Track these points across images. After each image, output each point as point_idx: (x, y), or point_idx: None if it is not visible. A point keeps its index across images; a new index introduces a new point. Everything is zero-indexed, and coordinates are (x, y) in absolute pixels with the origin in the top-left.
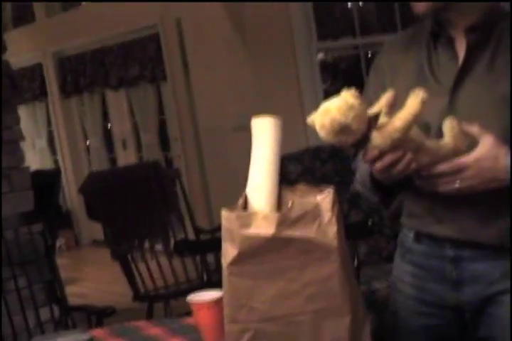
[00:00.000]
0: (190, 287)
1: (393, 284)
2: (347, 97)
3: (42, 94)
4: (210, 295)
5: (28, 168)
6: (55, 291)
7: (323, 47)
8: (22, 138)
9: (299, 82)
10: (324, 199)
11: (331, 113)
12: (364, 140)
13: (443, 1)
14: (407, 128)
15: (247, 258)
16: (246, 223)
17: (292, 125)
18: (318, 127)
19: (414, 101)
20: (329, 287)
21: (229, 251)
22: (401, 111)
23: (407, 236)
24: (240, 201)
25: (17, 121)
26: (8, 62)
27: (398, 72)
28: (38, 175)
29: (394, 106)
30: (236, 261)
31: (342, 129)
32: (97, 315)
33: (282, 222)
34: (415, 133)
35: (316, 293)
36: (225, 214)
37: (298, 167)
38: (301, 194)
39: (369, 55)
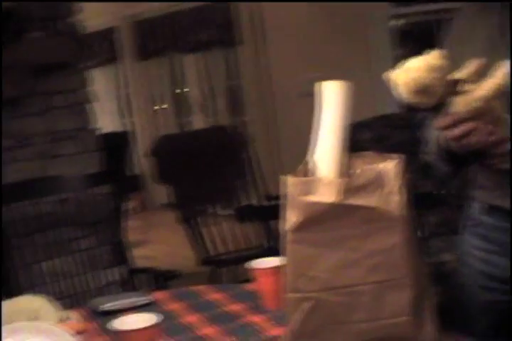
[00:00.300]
0: (254, 253)
1: (460, 257)
2: (433, 58)
3: (115, 57)
4: (271, 262)
5: (95, 129)
6: (121, 253)
7: (396, 13)
8: (89, 100)
9: (371, 48)
10: (391, 167)
11: (416, 71)
12: (443, 104)
13: None
14: (490, 97)
15: (308, 225)
16: (309, 189)
17: (363, 92)
18: (400, 84)
19: (499, 72)
20: (392, 258)
21: (291, 218)
22: (485, 80)
23: (477, 208)
24: (305, 167)
25: (83, 83)
26: (80, 24)
27: (469, 39)
28: (108, 138)
29: (481, 75)
30: (297, 228)
31: (424, 89)
32: (162, 278)
33: (346, 189)
34: (496, 105)
35: (379, 263)
36: (288, 179)
37: (368, 134)
38: (368, 161)
39: (441, 21)
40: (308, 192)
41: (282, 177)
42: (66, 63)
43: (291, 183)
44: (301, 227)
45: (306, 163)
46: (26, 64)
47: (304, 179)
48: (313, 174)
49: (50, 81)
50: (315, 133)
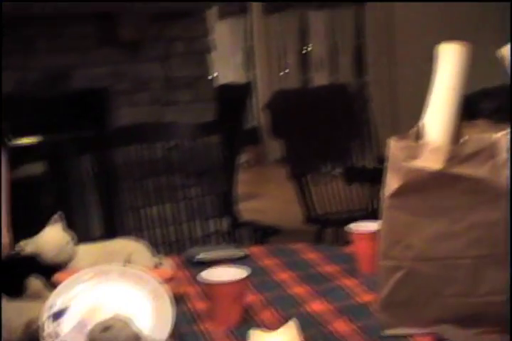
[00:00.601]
0: (359, 216)
1: None
2: None
3: (243, 10)
4: (371, 226)
5: (213, 79)
6: (228, 204)
7: None
8: (210, 49)
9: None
10: (504, 137)
11: None
12: None
13: None
14: None
15: (409, 191)
16: (413, 154)
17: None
18: None
19: None
20: (495, 233)
21: (391, 183)
22: None
23: None
24: (414, 130)
25: (206, 32)
26: None
27: None
28: (229, 89)
29: None
30: (397, 194)
31: None
32: (263, 233)
33: (453, 157)
34: None
35: (481, 237)
36: (392, 142)
37: (493, 103)
38: (480, 131)
39: None
40: (412, 157)
41: (389, 141)
42: (191, 11)
43: (394, 147)
44: (400, 193)
45: (418, 128)
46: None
47: (408, 143)
48: (421, 138)
49: (173, 27)
50: (430, 96)
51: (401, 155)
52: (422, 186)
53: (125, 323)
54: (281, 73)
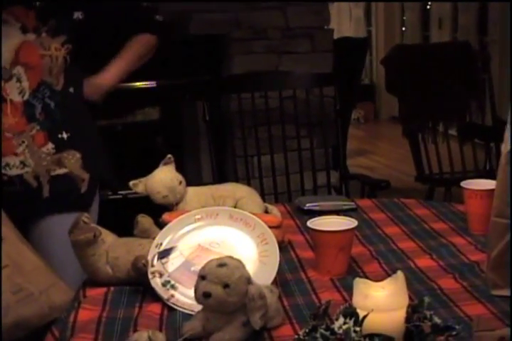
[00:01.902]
0: (476, 176)
1: None
2: None
3: None
4: (486, 184)
5: (331, 30)
6: (338, 158)
7: None
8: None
9: None
10: None
11: None
12: None
13: None
14: None
15: None
16: None
17: None
18: None
19: None
20: None
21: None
22: None
23: None
24: None
25: None
26: None
27: None
28: (347, 42)
29: None
30: None
31: None
32: (371, 187)
33: None
34: None
35: None
36: None
37: None
38: None
39: None
40: None
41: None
42: None
43: None
44: None
45: None
46: None
47: None
48: None
49: None
50: None
51: None
52: None
53: (240, 263)
54: (401, 29)
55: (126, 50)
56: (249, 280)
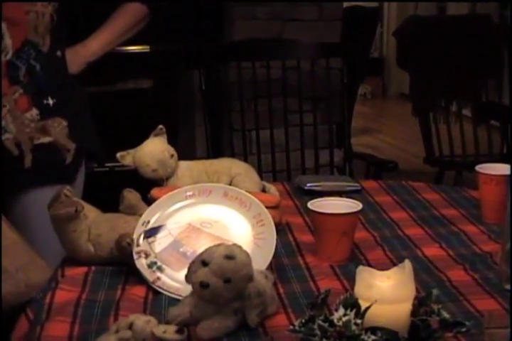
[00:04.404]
0: (490, 160)
1: None
2: None
3: None
4: (502, 169)
5: None
6: (342, 135)
7: None
8: None
9: None
10: None
11: None
12: None
13: None
14: None
15: None
16: None
17: None
18: None
19: None
20: None
21: None
22: None
23: None
24: None
25: None
26: None
27: None
28: (357, 11)
29: None
30: None
31: None
32: (377, 167)
33: None
34: None
35: None
36: None
37: None
38: None
39: None
40: None
41: None
42: None
43: None
44: None
45: None
46: None
47: None
48: None
49: None
50: None
51: None
52: None
53: (248, 259)
54: None
55: (114, 20)
56: (251, 278)
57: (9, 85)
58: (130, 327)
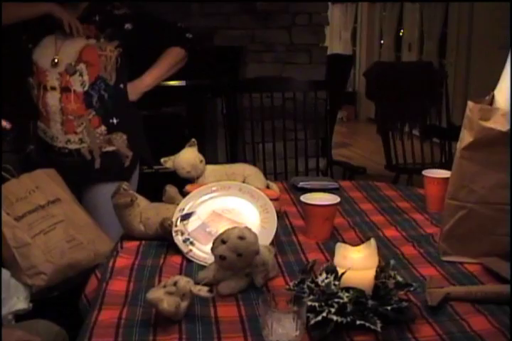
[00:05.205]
0: (430, 167)
1: None
2: None
3: None
4: (442, 173)
5: (325, 47)
6: (325, 148)
7: None
8: (325, 23)
9: None
10: None
11: None
12: None
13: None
14: None
15: (479, 146)
16: (486, 116)
17: None
18: None
19: None
20: None
21: (465, 138)
22: None
23: None
24: (487, 97)
25: (325, 9)
26: None
27: None
28: (337, 57)
29: None
30: (469, 147)
31: None
32: (351, 171)
33: None
34: None
35: None
36: (470, 104)
37: None
38: None
39: None
40: (485, 118)
41: (468, 102)
42: None
43: (472, 108)
44: (472, 147)
45: (493, 95)
46: None
47: (484, 106)
48: (494, 104)
49: (298, 3)
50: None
51: (476, 115)
52: (491, 143)
53: (255, 238)
54: (379, 50)
55: (162, 60)
56: (257, 252)
57: (85, 109)
58: (175, 284)
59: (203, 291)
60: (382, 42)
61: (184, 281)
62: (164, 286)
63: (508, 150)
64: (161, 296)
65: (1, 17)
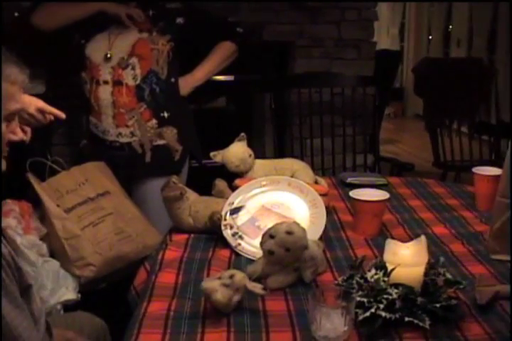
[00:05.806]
0: (481, 164)
1: None
2: None
3: None
4: (492, 170)
5: (374, 42)
6: (373, 144)
7: None
8: (375, 18)
9: None
10: None
11: None
12: None
13: None
14: None
15: None
16: None
17: None
18: None
19: None
20: None
21: None
22: None
23: None
24: None
25: (374, 4)
26: None
27: None
28: (385, 53)
29: None
30: None
31: None
32: (399, 168)
33: None
34: None
35: None
36: None
37: None
38: None
39: None
40: None
41: None
42: None
43: None
44: None
45: None
46: None
47: None
48: None
49: None
50: None
51: None
52: None
53: (304, 233)
54: (428, 45)
55: (213, 55)
56: (306, 247)
57: (137, 102)
58: (231, 277)
59: (257, 288)
60: (430, 37)
61: (240, 276)
62: (219, 278)
63: None
64: (216, 287)
65: (1, 17)
